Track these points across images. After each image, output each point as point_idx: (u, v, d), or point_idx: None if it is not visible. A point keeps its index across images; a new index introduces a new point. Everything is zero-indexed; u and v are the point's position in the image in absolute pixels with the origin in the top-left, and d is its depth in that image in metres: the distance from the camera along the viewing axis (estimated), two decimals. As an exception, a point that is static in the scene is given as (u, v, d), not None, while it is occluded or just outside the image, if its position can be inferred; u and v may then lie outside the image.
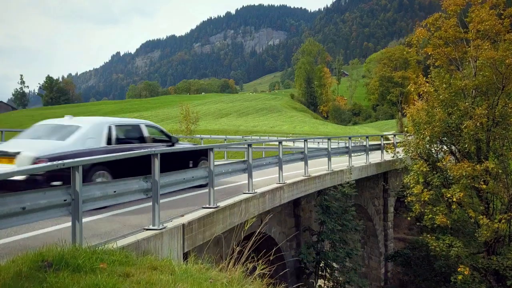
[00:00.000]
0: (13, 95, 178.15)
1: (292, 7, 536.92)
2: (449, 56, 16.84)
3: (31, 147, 7.58)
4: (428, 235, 15.05)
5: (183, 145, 10.63)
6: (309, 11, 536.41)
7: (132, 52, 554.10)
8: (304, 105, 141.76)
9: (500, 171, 14.33)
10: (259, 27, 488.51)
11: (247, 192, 9.44)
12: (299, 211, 14.26)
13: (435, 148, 16.09)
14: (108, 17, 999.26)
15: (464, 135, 14.87)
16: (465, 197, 14.64)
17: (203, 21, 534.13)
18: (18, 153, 7.26)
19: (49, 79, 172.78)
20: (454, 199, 14.08)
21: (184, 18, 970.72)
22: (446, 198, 14.53)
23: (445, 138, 15.93)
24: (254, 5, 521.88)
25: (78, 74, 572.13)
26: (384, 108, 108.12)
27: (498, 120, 14.90)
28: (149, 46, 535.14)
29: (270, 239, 13.08)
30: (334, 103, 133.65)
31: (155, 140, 9.63)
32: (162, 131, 10.18)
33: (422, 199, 14.93)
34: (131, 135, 9.16)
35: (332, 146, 15.77)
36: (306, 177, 12.56)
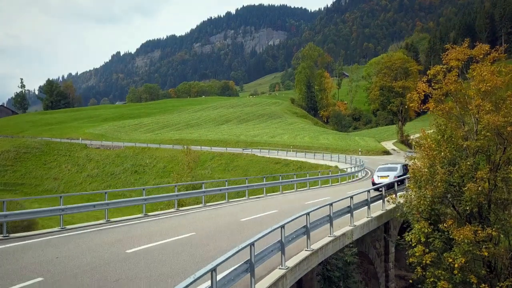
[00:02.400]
0: (13, 99, 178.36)
1: (292, 7, 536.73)
2: (451, 112, 16.83)
3: (390, 174, 24.81)
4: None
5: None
6: (309, 11, 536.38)
7: (132, 52, 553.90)
8: (304, 109, 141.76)
9: (501, 235, 14.33)
10: (259, 27, 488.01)
11: (249, 292, 9.40)
12: (301, 274, 14.25)
13: (437, 208, 16.03)
14: (108, 16, 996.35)
15: (465, 197, 14.87)
16: (467, 258, 14.61)
17: (203, 21, 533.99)
18: (387, 176, 24.65)
19: (49, 83, 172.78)
20: (456, 265, 14.08)
21: (184, 18, 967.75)
22: (447, 263, 14.53)
23: (447, 196, 15.91)
24: (254, 5, 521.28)
25: (78, 74, 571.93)
26: (384, 114, 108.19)
27: (499, 184, 14.90)
28: (149, 46, 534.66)
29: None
30: (334, 109, 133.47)
31: (406, 169, 23.68)
32: (407, 165, 21.86)
33: (424, 261, 14.92)
34: (404, 168, 25.25)
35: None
36: (309, 252, 12.49)
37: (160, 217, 17.74)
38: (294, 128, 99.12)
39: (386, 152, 61.61)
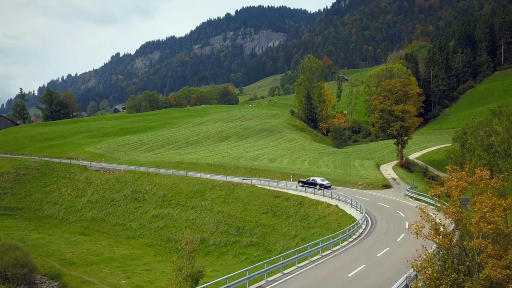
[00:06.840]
0: (12, 108, 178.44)
1: (291, 8, 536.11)
2: (452, 241, 16.82)
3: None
4: None
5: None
6: (309, 12, 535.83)
7: (132, 53, 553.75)
8: (304, 121, 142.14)
9: None
10: (259, 28, 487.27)
11: None
12: None
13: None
14: (108, 17, 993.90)
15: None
16: None
17: (203, 23, 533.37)
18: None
19: (48, 92, 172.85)
20: None
21: (183, 19, 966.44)
22: None
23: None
24: (253, 6, 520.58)
25: (78, 75, 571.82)
26: (384, 136, 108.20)
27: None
28: (148, 47, 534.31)
29: None
30: (333, 121, 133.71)
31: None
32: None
33: None
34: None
35: None
36: None
37: None
38: (294, 147, 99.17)
39: (387, 186, 61.57)
